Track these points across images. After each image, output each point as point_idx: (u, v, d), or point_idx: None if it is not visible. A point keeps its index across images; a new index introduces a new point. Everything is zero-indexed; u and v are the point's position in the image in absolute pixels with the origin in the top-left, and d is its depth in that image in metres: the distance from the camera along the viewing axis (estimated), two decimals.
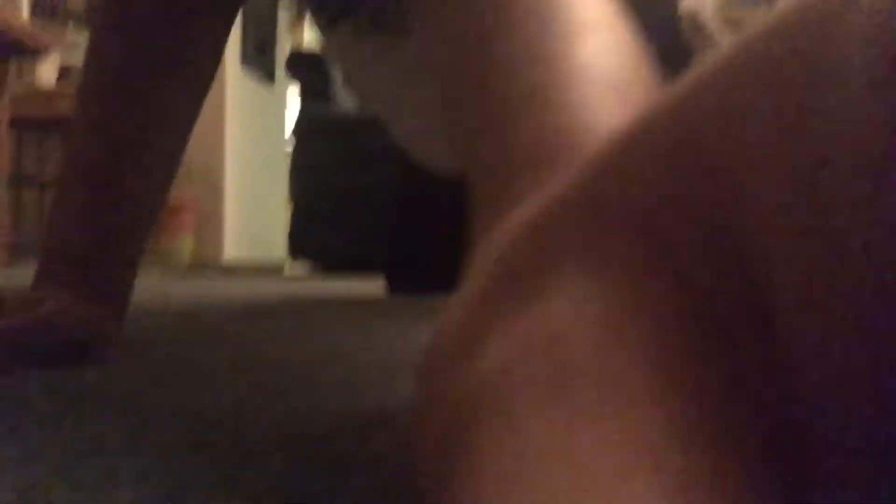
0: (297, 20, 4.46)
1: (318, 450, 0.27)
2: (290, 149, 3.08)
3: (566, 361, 0.11)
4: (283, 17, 4.01)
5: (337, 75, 2.63)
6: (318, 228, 2.38)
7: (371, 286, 1.40)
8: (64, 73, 3.18)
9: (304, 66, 2.53)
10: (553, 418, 0.11)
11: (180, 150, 0.56)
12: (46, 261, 0.51)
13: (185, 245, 2.99)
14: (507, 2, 0.23)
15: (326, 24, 0.52)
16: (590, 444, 0.10)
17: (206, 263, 3.02)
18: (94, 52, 0.54)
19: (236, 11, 0.59)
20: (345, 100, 2.61)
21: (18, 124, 2.60)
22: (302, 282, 1.76)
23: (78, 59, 3.16)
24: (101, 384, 0.38)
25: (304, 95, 2.52)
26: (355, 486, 0.23)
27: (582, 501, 0.09)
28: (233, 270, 2.54)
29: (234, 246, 3.35)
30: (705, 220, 0.11)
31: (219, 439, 0.28)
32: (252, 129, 3.56)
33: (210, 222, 3.22)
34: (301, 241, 2.43)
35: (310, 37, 4.92)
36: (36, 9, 3.12)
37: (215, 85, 0.62)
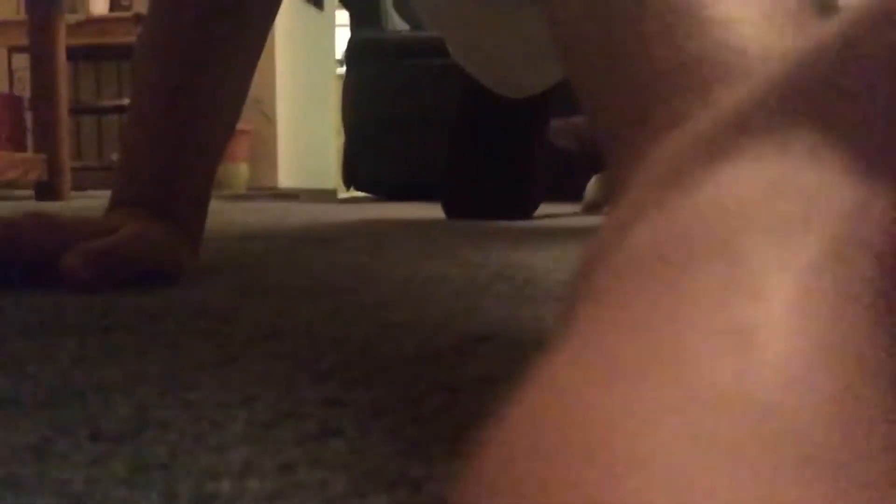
0: None
1: (421, 371, 0.26)
2: (339, 74, 3.05)
3: (733, 232, 0.10)
4: None
5: None
6: (372, 157, 2.37)
7: (428, 209, 1.39)
8: (115, 1, 3.18)
9: None
10: (719, 275, 0.09)
11: (248, 77, 0.56)
12: (121, 186, 0.51)
13: (240, 173, 3.02)
14: None
15: None
16: (763, 307, 0.09)
17: (262, 191, 3.05)
18: None
19: None
20: (396, 23, 2.55)
21: (74, 53, 2.62)
22: (359, 205, 1.76)
23: None
24: (189, 307, 0.38)
25: (355, 19, 2.47)
26: (466, 405, 0.22)
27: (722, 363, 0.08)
28: (291, 196, 2.56)
29: (287, 174, 3.37)
30: None
31: (321, 360, 0.27)
32: (302, 57, 3.53)
33: (264, 150, 3.23)
34: (355, 169, 2.42)
35: None
36: None
37: None
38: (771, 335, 0.08)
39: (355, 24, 2.46)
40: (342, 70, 2.48)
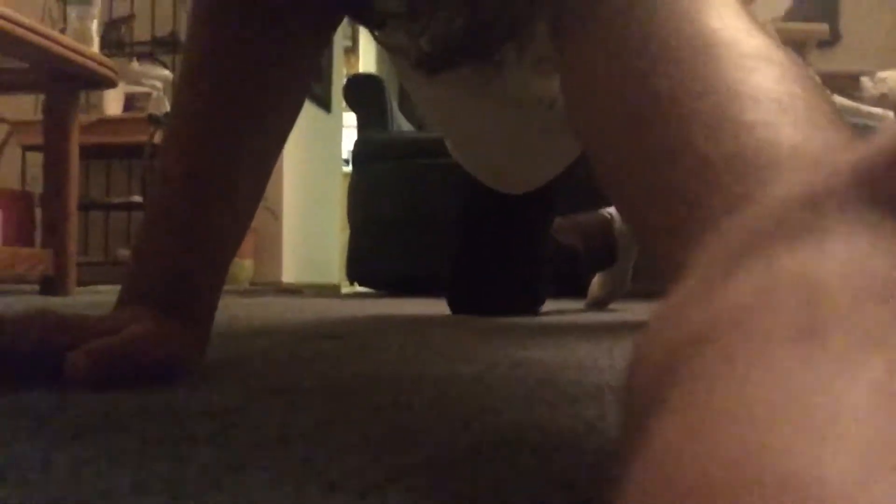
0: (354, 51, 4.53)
1: (437, 479, 0.25)
2: (346, 173, 3.12)
3: (822, 304, 0.10)
4: (339, 45, 4.08)
5: (394, 100, 2.64)
6: (377, 253, 2.39)
7: (433, 305, 1.39)
8: (129, 102, 3.28)
9: (362, 91, 2.55)
10: (806, 355, 0.10)
11: (264, 181, 0.57)
12: (131, 282, 0.51)
13: (244, 268, 3.03)
14: (668, 37, 0.25)
15: (426, 74, 0.53)
16: (851, 388, 0.09)
17: (266, 286, 3.06)
18: (186, 81, 0.55)
19: (328, 36, 0.61)
20: (402, 124, 2.63)
21: (86, 151, 2.68)
22: (363, 301, 1.76)
23: (141, 89, 3.27)
24: (193, 408, 0.37)
25: (362, 120, 2.54)
26: None
27: (842, 441, 0.08)
28: (295, 291, 2.56)
29: (291, 270, 3.38)
30: None
31: (331, 467, 0.26)
32: (309, 156, 3.61)
33: (269, 247, 3.26)
34: (359, 265, 2.43)
35: (365, 65, 4.98)
36: (104, 41, 3.23)
37: None
38: (853, 425, 0.08)
39: (362, 126, 2.53)
40: (348, 169, 2.53)
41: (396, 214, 2.34)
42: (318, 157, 3.75)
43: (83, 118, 2.45)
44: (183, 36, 3.38)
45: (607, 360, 0.58)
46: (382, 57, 4.35)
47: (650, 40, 0.25)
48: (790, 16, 3.26)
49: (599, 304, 1.48)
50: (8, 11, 1.53)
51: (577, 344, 0.72)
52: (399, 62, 0.82)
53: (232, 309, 1.31)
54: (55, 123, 1.91)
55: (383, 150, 2.43)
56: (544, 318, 1.17)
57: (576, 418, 0.36)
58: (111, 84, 2.01)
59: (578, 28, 0.31)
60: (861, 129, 2.22)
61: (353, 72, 4.47)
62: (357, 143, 2.48)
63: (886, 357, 0.09)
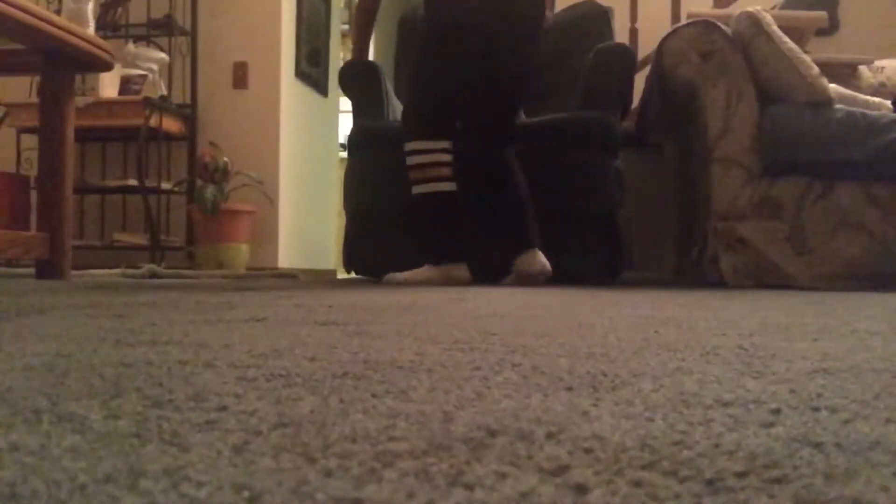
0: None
1: (434, 466, 0.25)
2: (342, 158, 3.11)
3: None
4: (336, 28, 4.05)
5: (389, 85, 2.63)
6: (372, 242, 2.39)
7: (427, 293, 1.39)
8: (124, 84, 3.26)
9: (357, 78, 2.53)
10: None
11: None
12: None
13: (241, 253, 3.03)
14: None
15: None
16: None
17: (262, 270, 3.05)
18: None
19: None
20: (397, 111, 2.61)
21: (81, 134, 2.67)
22: (359, 286, 1.76)
23: (137, 71, 3.24)
24: (191, 392, 0.37)
25: (357, 107, 2.52)
26: None
27: None
28: (290, 276, 2.56)
29: (287, 254, 3.38)
30: None
31: (329, 453, 0.26)
32: (306, 141, 3.59)
33: (265, 232, 3.25)
34: (355, 254, 2.43)
35: None
36: (99, 23, 3.20)
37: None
38: None
39: (357, 112, 2.51)
40: (345, 154, 2.52)
41: (392, 202, 2.34)
42: (315, 141, 3.74)
43: (78, 100, 2.44)
44: (179, 18, 3.36)
45: (601, 349, 0.59)
46: (378, 41, 4.32)
47: None
48: (789, 3, 3.25)
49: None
50: None
51: (571, 331, 0.72)
52: None
53: (226, 295, 1.31)
54: (51, 106, 1.90)
55: (379, 136, 2.41)
56: (537, 305, 1.17)
57: (570, 405, 0.36)
58: (107, 66, 2.00)
59: None
60: (860, 116, 2.21)
61: (348, 56, 4.43)
62: (352, 131, 2.47)
63: None
